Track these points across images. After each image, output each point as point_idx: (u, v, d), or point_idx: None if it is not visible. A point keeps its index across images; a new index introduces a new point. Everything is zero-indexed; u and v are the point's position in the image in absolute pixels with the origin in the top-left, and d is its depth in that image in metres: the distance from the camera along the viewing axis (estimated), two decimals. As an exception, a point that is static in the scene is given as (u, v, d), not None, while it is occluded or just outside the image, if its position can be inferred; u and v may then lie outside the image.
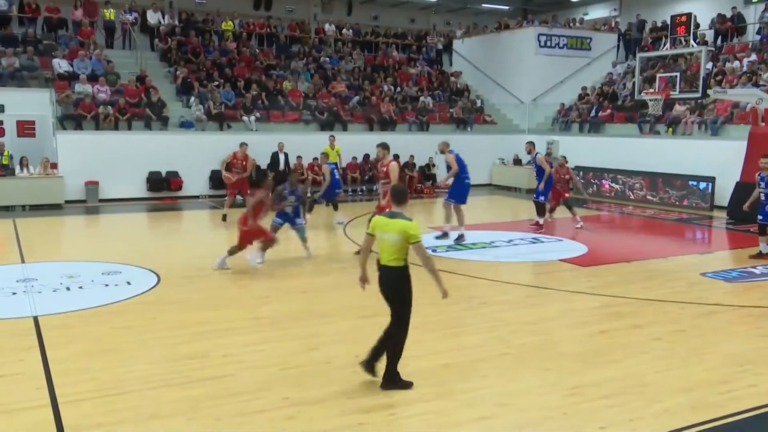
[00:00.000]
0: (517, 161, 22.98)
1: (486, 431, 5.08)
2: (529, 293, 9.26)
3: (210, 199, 18.96)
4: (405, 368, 6.25)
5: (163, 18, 23.40)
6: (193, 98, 20.22)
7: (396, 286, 5.82)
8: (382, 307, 8.36)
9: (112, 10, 22.39)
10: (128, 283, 9.42)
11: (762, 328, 7.69)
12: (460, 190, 13.04)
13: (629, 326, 7.62)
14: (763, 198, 11.19)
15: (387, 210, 6.04)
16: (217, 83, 21.14)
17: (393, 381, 5.77)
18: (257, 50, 24.32)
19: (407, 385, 5.77)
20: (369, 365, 5.84)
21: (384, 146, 11.39)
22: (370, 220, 6.11)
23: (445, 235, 13.12)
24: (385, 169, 11.32)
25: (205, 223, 16.22)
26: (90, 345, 6.84)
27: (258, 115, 20.64)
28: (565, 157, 15.58)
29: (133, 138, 18.65)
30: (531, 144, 15.17)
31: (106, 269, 10.18)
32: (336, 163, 16.99)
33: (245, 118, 20.31)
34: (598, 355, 6.68)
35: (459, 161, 12.99)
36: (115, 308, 8.22)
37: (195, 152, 19.08)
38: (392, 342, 5.81)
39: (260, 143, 19.03)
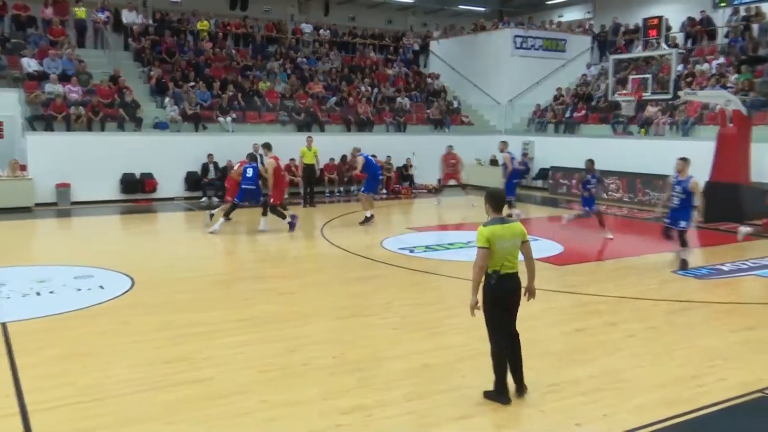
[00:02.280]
0: (494, 161, 23.13)
1: (466, 431, 5.13)
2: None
3: (186, 200, 18.83)
4: (383, 368, 6.31)
5: (138, 17, 23.17)
6: (167, 99, 20.06)
7: (520, 292, 5.61)
8: (360, 308, 8.45)
9: (83, 9, 22.10)
10: (101, 287, 9.23)
11: (730, 323, 7.87)
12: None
13: (605, 324, 7.74)
14: (676, 202, 10.69)
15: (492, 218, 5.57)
16: (192, 84, 20.97)
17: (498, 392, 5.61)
18: (233, 50, 24.17)
19: (507, 401, 5.52)
20: (521, 387, 5.63)
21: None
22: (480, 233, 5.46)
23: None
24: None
25: (180, 225, 16.13)
26: (63, 350, 6.72)
27: (234, 115, 20.53)
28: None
29: (106, 139, 18.43)
30: (504, 143, 16.41)
31: (78, 273, 9.95)
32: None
33: (221, 119, 20.20)
34: (575, 353, 6.77)
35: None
36: (88, 313, 8.08)
37: (170, 153, 18.90)
38: (519, 339, 5.64)
39: (236, 144, 18.94)
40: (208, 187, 18.97)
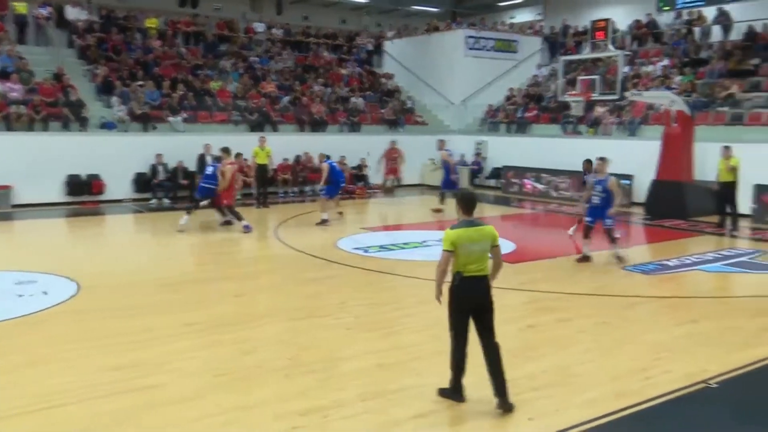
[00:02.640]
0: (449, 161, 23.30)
1: (422, 429, 5.15)
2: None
3: (135, 202, 18.43)
4: (339, 368, 6.29)
5: (82, 13, 22.58)
6: (114, 98, 19.59)
7: (490, 295, 5.48)
8: (314, 308, 8.41)
9: (24, 4, 21.42)
10: (45, 292, 8.89)
11: (676, 317, 8.10)
12: None
13: (557, 320, 7.87)
14: (597, 201, 10.88)
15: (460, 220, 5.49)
16: (140, 83, 20.56)
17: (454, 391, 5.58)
18: (183, 49, 23.79)
19: (460, 400, 5.54)
20: (504, 402, 5.37)
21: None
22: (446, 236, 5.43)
23: None
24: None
25: (129, 228, 15.79)
26: (5, 360, 6.47)
27: (185, 115, 20.20)
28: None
29: (50, 139, 17.84)
30: (441, 141, 17.56)
31: (19, 279, 9.55)
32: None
33: (171, 118, 19.85)
34: (528, 349, 6.87)
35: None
36: (31, 320, 7.79)
37: (118, 154, 18.45)
38: (498, 351, 5.45)
39: (187, 145, 18.67)
40: (158, 188, 18.63)
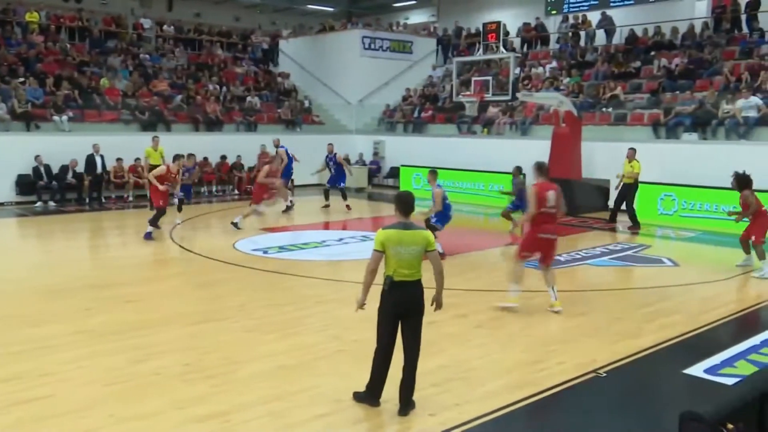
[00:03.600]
0: (346, 161, 23.34)
1: (323, 429, 5.15)
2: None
3: (18, 206, 17.34)
4: (239, 372, 6.18)
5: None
6: (-7, 96, 18.43)
7: (422, 300, 5.37)
8: (213, 312, 8.21)
9: None
10: None
11: (568, 309, 8.46)
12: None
13: (454, 316, 8.03)
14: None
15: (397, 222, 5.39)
16: (22, 79, 19.43)
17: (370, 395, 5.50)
18: (68, 45, 22.64)
19: (375, 404, 5.46)
20: (404, 408, 5.35)
21: None
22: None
23: None
24: None
25: (11, 233, 14.83)
26: None
27: (71, 114, 19.24)
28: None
29: None
30: (331, 145, 17.73)
31: None
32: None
33: (56, 117, 18.85)
34: (426, 346, 6.91)
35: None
36: None
37: (-3, 155, 17.37)
38: (417, 356, 5.40)
39: (74, 145, 17.80)
40: (44, 191, 17.64)
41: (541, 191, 8.33)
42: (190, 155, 14.39)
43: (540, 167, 8.54)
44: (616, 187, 15.13)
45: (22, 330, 7.37)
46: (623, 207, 14.90)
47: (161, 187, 12.98)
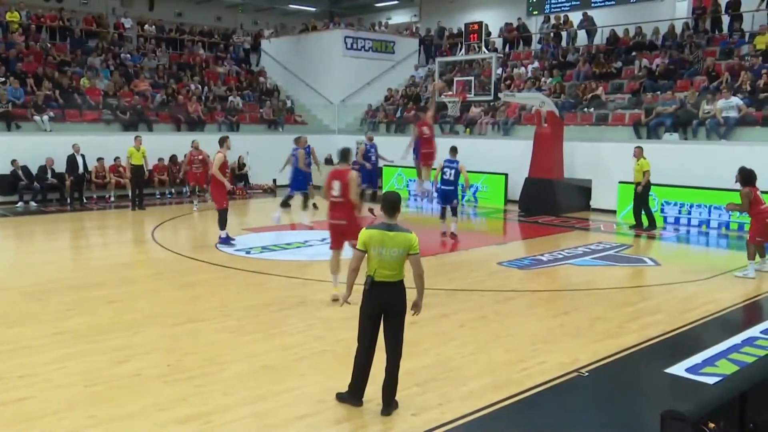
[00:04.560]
0: (329, 161, 23.29)
1: (306, 429, 5.14)
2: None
3: (1, 206, 17.14)
4: (222, 373, 6.15)
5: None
6: (-28, 95, 18.20)
7: (403, 301, 5.34)
8: (195, 312, 8.16)
9: None
10: None
11: (550, 309, 8.52)
12: None
13: (437, 316, 8.05)
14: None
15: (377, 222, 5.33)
16: (2, 79, 19.26)
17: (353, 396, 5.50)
18: (49, 44, 22.43)
19: (357, 404, 5.46)
20: (386, 409, 5.35)
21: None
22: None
23: None
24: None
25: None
26: None
27: (52, 114, 19.05)
28: None
29: None
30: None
31: None
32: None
33: (37, 117, 18.67)
34: (409, 346, 6.93)
35: None
36: None
37: (-24, 155, 17.15)
38: (397, 363, 5.37)
39: (55, 144, 17.64)
40: (26, 191, 17.44)
41: (330, 178, 8.40)
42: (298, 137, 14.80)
43: (342, 153, 8.64)
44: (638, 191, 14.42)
45: (1, 330, 7.29)
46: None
47: (228, 184, 12.24)
